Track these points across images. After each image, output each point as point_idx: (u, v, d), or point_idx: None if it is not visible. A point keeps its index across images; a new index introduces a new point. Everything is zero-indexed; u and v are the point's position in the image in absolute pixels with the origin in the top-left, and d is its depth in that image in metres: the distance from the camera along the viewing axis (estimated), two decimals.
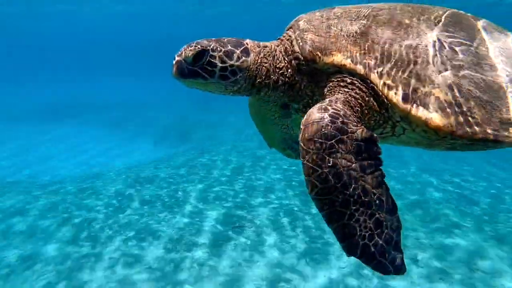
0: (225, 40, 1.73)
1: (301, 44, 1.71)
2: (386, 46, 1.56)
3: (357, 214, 1.37)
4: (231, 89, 1.76)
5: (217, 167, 9.14)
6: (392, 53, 1.54)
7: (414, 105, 1.46)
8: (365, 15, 1.69)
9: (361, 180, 1.39)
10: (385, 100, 1.52)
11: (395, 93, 1.49)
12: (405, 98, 1.47)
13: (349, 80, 1.60)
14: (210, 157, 10.12)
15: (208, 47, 1.65)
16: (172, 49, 1.83)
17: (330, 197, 1.36)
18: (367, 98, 1.57)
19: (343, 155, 1.39)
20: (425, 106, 1.45)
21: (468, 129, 1.44)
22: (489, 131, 1.45)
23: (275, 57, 1.81)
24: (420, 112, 1.45)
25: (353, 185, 1.37)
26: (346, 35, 1.64)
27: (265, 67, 1.78)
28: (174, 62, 1.64)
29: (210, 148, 11.42)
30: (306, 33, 1.73)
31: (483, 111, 1.46)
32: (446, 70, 1.50)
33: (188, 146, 12.25)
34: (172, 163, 9.69)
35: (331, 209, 1.36)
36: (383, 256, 1.38)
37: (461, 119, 1.44)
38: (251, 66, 1.74)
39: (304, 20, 1.80)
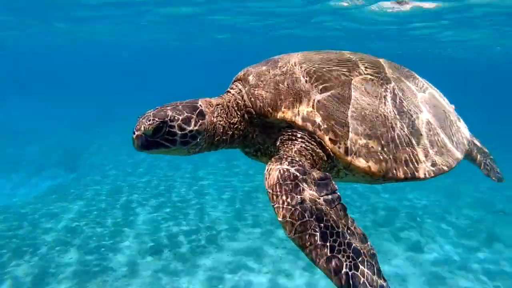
0: (180, 106, 1.76)
1: (252, 100, 1.85)
2: (328, 103, 1.76)
3: (337, 245, 1.42)
4: (193, 151, 1.82)
5: None
6: (334, 110, 1.74)
7: (354, 156, 1.70)
8: (307, 71, 1.85)
9: (329, 213, 1.49)
10: (331, 153, 1.74)
11: (339, 147, 1.71)
12: (347, 152, 1.70)
13: (299, 135, 1.78)
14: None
15: (166, 118, 1.68)
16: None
17: (309, 232, 1.41)
18: (316, 150, 1.75)
19: (308, 192, 1.52)
20: (363, 156, 1.71)
21: (395, 172, 1.74)
22: (409, 172, 1.77)
23: (229, 113, 1.90)
24: (359, 162, 1.70)
25: (324, 218, 1.46)
26: (293, 92, 1.79)
27: (221, 124, 1.87)
28: (134, 136, 1.67)
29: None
30: (256, 89, 1.86)
31: (405, 158, 1.78)
32: (377, 122, 1.77)
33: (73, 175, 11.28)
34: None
35: (313, 245, 1.40)
36: (372, 285, 1.39)
37: (389, 165, 1.74)
38: (208, 127, 1.81)
39: (253, 75, 1.93)
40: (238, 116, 1.91)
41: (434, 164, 1.82)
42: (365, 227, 7.91)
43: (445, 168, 1.85)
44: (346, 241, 1.45)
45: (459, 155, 1.98)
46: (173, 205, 8.38)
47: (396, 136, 1.78)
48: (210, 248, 6.47)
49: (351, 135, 1.72)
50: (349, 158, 1.70)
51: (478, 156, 2.60)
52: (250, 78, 1.92)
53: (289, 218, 1.44)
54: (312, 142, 1.74)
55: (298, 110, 1.75)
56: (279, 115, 1.77)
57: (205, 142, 1.84)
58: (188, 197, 8.97)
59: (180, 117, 1.72)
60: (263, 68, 1.94)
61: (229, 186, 9.78)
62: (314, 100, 1.75)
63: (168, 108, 1.74)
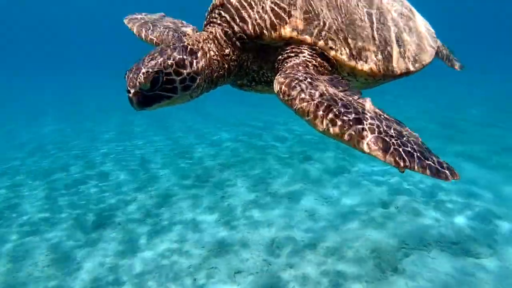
0: (168, 50, 1.64)
1: (241, 24, 1.76)
2: (323, 13, 1.74)
3: (375, 126, 1.34)
4: (195, 94, 1.74)
5: None
6: (330, 18, 1.74)
7: (357, 60, 1.75)
8: None
9: (355, 102, 1.45)
10: (334, 61, 1.75)
11: (341, 54, 1.73)
12: (349, 57, 1.74)
13: (299, 50, 1.73)
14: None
15: (160, 66, 1.56)
16: None
17: (342, 118, 1.33)
18: (319, 60, 1.74)
19: (324, 86, 1.49)
20: (365, 60, 1.76)
21: (393, 69, 1.87)
22: (404, 68, 1.93)
23: (219, 46, 1.82)
24: (362, 65, 1.76)
25: (352, 105, 1.40)
26: (282, 7, 1.73)
27: (215, 59, 1.79)
28: (130, 95, 1.53)
29: None
30: (243, 12, 1.76)
31: (397, 56, 1.89)
32: (367, 24, 1.83)
33: None
34: None
35: (349, 128, 1.31)
36: (429, 159, 1.29)
37: (387, 64, 1.84)
38: (203, 65, 1.72)
39: None
40: (230, 46, 1.83)
41: (418, 60, 2.02)
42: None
43: (426, 62, 2.10)
44: (384, 123, 1.38)
45: (433, 51, 2.24)
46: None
47: (386, 37, 1.89)
48: None
49: (349, 40, 1.75)
50: (353, 63, 1.74)
51: (443, 51, 3.00)
52: (233, 1, 1.80)
53: (315, 112, 1.36)
54: (314, 55, 1.73)
55: (293, 25, 1.71)
56: (274, 34, 1.72)
57: (204, 82, 1.75)
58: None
59: (174, 61, 1.61)
60: None
61: None
62: (306, 11, 1.73)
63: (156, 54, 1.61)
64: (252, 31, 1.75)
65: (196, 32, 2.34)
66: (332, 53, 1.72)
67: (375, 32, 1.85)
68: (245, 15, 1.76)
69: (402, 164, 1.25)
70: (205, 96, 2.04)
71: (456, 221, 5.95)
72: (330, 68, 1.75)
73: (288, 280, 4.85)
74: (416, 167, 1.24)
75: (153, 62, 1.57)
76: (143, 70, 1.53)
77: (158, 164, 9.59)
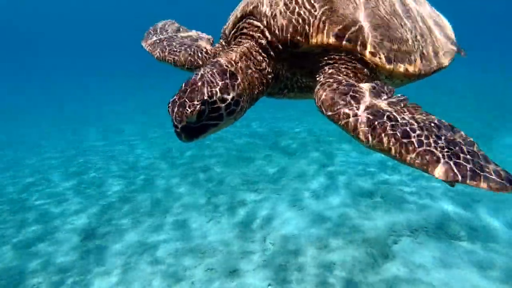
0: (209, 76, 1.57)
1: (278, 33, 1.69)
2: (357, 17, 1.69)
3: (423, 138, 1.28)
4: (239, 116, 1.69)
5: None
6: (364, 22, 1.69)
7: (395, 63, 1.72)
8: None
9: (401, 112, 1.40)
10: (373, 66, 1.71)
11: (380, 58, 1.69)
12: (388, 61, 1.71)
13: (337, 56, 1.68)
14: None
15: (205, 97, 1.50)
16: None
17: (387, 133, 1.29)
18: (358, 67, 1.69)
19: (368, 99, 1.45)
20: (402, 61, 1.74)
21: (427, 68, 1.86)
22: (436, 64, 1.93)
23: (255, 61, 1.74)
24: (400, 67, 1.73)
25: (398, 116, 1.36)
26: (318, 14, 1.66)
27: (255, 77, 1.73)
28: (178, 130, 1.50)
29: None
30: (277, 19, 1.69)
31: (428, 54, 1.90)
32: (406, 27, 1.82)
33: None
34: None
35: (397, 142, 1.27)
36: (485, 170, 1.19)
37: (421, 63, 1.83)
38: (245, 86, 1.66)
39: (266, 5, 1.73)
40: (265, 58, 1.76)
41: (448, 53, 2.04)
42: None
43: (454, 52, 2.11)
44: (433, 133, 1.31)
45: (454, 39, 2.25)
46: None
47: (419, 35, 1.87)
48: None
49: (386, 43, 1.70)
50: (391, 66, 1.70)
51: None
52: (264, 9, 1.72)
53: (360, 127, 1.33)
54: (353, 61, 1.68)
55: (331, 31, 1.64)
56: (312, 41, 1.65)
57: (247, 102, 1.70)
58: None
59: (217, 89, 1.54)
60: None
61: None
62: (340, 16, 1.66)
63: (198, 83, 1.54)
64: (289, 40, 1.68)
65: (211, 41, 2.31)
66: (372, 58, 1.67)
67: (408, 32, 1.82)
68: (279, 23, 1.68)
69: (458, 179, 1.17)
70: None
71: (439, 207, 6.27)
72: (369, 73, 1.71)
73: (287, 275, 4.96)
74: (472, 182, 1.16)
75: (198, 93, 1.50)
76: (189, 104, 1.47)
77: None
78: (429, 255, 5.12)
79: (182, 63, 2.09)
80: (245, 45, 1.77)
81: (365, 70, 1.70)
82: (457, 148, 1.27)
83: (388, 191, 6.86)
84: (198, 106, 1.47)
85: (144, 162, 9.81)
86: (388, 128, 1.30)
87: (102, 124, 15.77)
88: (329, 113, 1.44)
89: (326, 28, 1.64)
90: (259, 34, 1.75)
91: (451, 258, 5.05)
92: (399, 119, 1.35)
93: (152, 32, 2.48)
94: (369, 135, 1.31)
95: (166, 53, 2.14)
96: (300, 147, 9.86)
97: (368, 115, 1.35)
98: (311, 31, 1.65)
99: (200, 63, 2.07)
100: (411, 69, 1.76)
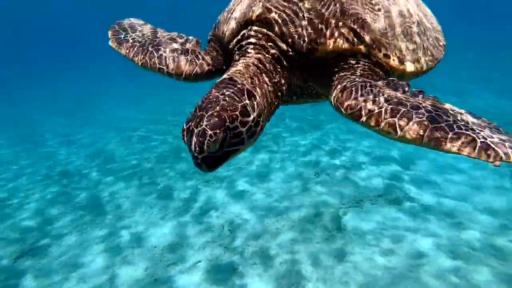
0: (227, 99, 1.40)
1: (290, 41, 1.59)
2: (368, 19, 1.64)
3: (452, 122, 1.25)
4: (259, 135, 1.55)
5: None
6: (373, 23, 1.65)
7: (406, 63, 1.73)
8: None
9: (422, 103, 1.37)
10: (388, 68, 1.69)
11: (393, 60, 1.68)
12: (400, 62, 1.70)
13: (353, 61, 1.63)
14: None
15: (227, 123, 1.34)
16: None
17: (415, 121, 1.26)
18: (375, 70, 1.66)
19: (387, 92, 1.43)
20: (410, 61, 1.75)
21: (430, 64, 1.89)
22: (436, 59, 1.96)
23: (269, 73, 1.62)
24: (411, 67, 1.74)
25: (421, 105, 1.33)
26: (331, 20, 1.60)
27: (270, 91, 1.60)
28: (199, 161, 1.35)
29: None
30: (289, 27, 1.59)
31: (430, 50, 1.94)
32: (412, 25, 1.85)
33: None
34: None
35: (427, 131, 1.24)
36: None
37: (428, 60, 1.88)
38: (264, 105, 1.54)
39: (275, 12, 1.60)
40: (279, 69, 1.64)
41: (442, 46, 2.09)
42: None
43: (444, 43, 2.15)
44: (460, 118, 1.29)
45: (443, 38, 2.27)
46: None
47: (421, 33, 1.89)
48: None
49: (397, 44, 1.69)
50: (404, 66, 1.70)
51: None
52: (273, 16, 1.59)
53: (384, 120, 1.29)
54: (367, 63, 1.63)
55: (346, 36, 1.58)
56: (327, 47, 1.58)
57: (265, 120, 1.57)
58: None
59: (238, 112, 1.38)
60: (280, 1, 1.62)
61: None
62: (353, 20, 1.61)
63: (217, 108, 1.36)
64: (304, 48, 1.58)
65: (199, 44, 2.13)
66: (386, 60, 1.64)
67: (414, 32, 1.82)
68: (291, 30, 1.58)
69: (493, 156, 1.14)
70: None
71: (378, 178, 6.95)
72: (383, 75, 1.68)
73: (247, 257, 5.10)
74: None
75: (218, 120, 1.33)
76: (210, 133, 1.30)
77: None
78: (375, 220, 5.70)
79: (182, 72, 1.87)
80: (255, 56, 1.63)
81: (380, 72, 1.67)
82: (486, 130, 1.25)
83: (333, 169, 7.38)
84: (220, 134, 1.32)
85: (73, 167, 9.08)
86: (415, 116, 1.26)
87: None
88: (349, 112, 1.40)
89: (340, 33, 1.58)
90: (270, 44, 1.62)
91: (392, 221, 5.68)
92: (422, 107, 1.31)
93: (121, 31, 2.13)
94: (395, 128, 1.27)
95: (157, 61, 1.88)
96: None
97: (391, 106, 1.32)
98: (326, 37, 1.58)
99: (199, 71, 1.89)
100: (419, 67, 1.77)
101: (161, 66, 1.88)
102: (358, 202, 6.17)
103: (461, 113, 1.36)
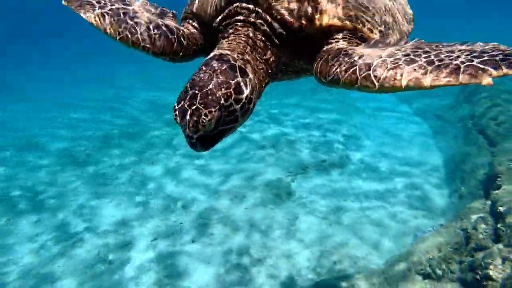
0: (220, 76, 1.39)
1: (280, 18, 1.59)
2: None
3: (433, 57, 1.21)
4: (251, 113, 1.55)
5: None
6: (360, 1, 1.69)
7: (386, 37, 1.74)
8: None
9: (400, 48, 1.37)
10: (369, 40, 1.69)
11: (375, 34, 1.69)
12: (381, 35, 1.72)
13: (339, 36, 1.63)
14: None
15: (221, 101, 1.33)
16: None
17: (390, 67, 1.25)
18: (356, 42, 1.66)
19: (360, 51, 1.44)
20: (389, 35, 1.78)
21: (404, 35, 1.95)
22: (406, 30, 2.00)
23: (259, 50, 1.62)
24: (390, 40, 1.74)
25: (399, 50, 1.33)
26: None
27: (262, 69, 1.61)
28: (194, 141, 1.33)
29: None
30: (277, 4, 1.58)
31: (404, 20, 2.02)
32: (387, 3, 1.88)
33: None
34: None
35: (405, 70, 1.21)
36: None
37: (402, 31, 1.95)
38: (256, 82, 1.53)
39: None
40: (269, 47, 1.63)
41: (411, 19, 2.12)
42: None
43: (412, 15, 2.17)
44: (445, 50, 1.24)
45: (411, 12, 2.26)
46: None
47: (393, 6, 1.93)
48: None
49: (376, 18, 1.72)
50: (376, 36, 1.70)
51: None
52: None
53: (360, 75, 1.28)
54: (352, 38, 1.64)
55: (332, 12, 1.59)
56: (317, 24, 1.58)
57: (257, 97, 1.56)
58: None
59: (231, 90, 1.36)
60: None
61: None
62: None
63: (210, 86, 1.35)
64: (294, 25, 1.58)
65: (174, 16, 2.03)
66: (369, 33, 1.66)
67: (389, 5, 1.86)
68: (283, 6, 1.58)
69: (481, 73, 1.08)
70: None
71: (319, 146, 7.67)
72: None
73: (208, 228, 5.46)
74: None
75: (212, 98, 1.32)
76: (205, 111, 1.29)
77: None
78: (320, 184, 6.40)
79: (169, 52, 1.76)
80: (245, 33, 1.62)
81: (360, 42, 1.68)
82: (479, 52, 1.17)
83: (277, 141, 7.93)
84: (216, 113, 1.30)
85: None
86: (389, 63, 1.26)
87: None
88: (329, 78, 1.41)
89: (329, 9, 1.60)
90: (260, 21, 1.61)
91: (332, 182, 6.43)
92: (399, 53, 1.30)
93: None
94: (372, 78, 1.26)
95: (140, 37, 1.73)
96: None
97: (365, 61, 1.31)
98: (315, 14, 1.59)
99: (187, 51, 1.82)
100: (395, 38, 1.79)
101: (146, 45, 1.74)
102: (304, 169, 6.80)
103: (449, 46, 1.30)
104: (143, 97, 12.77)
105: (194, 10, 1.86)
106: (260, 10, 1.60)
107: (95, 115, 10.96)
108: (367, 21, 1.68)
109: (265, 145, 7.79)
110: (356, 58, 1.37)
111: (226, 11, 1.66)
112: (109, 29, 1.74)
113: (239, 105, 1.40)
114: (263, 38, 1.62)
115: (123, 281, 4.62)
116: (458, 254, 3.92)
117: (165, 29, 1.77)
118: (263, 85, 1.64)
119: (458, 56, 1.17)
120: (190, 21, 1.93)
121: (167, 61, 1.84)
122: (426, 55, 1.25)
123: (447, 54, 1.21)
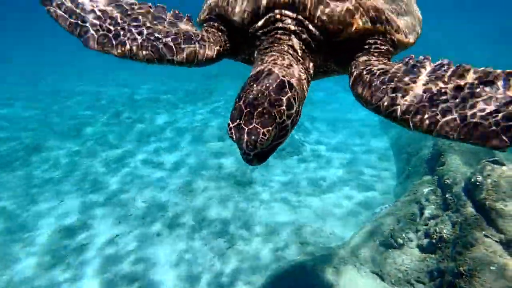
0: (272, 93, 1.40)
1: (319, 24, 1.57)
2: (379, 0, 1.70)
3: (468, 108, 1.23)
4: (298, 121, 1.56)
5: None
6: (386, 5, 1.72)
7: (409, 36, 1.80)
8: None
9: (442, 86, 1.35)
10: (397, 43, 1.72)
11: (401, 34, 1.72)
12: (405, 35, 1.76)
13: (372, 41, 1.65)
14: None
15: (277, 119, 1.36)
16: None
17: (428, 116, 1.27)
18: (389, 48, 1.70)
19: (404, 81, 1.42)
20: (410, 33, 1.83)
21: (418, 35, 1.95)
22: (419, 30, 2.02)
23: (302, 60, 1.63)
24: (412, 39, 1.82)
25: (440, 91, 1.32)
26: (352, 1, 1.61)
27: (305, 79, 1.61)
28: (251, 158, 1.37)
29: None
30: (319, 10, 1.57)
31: (417, 20, 2.05)
32: (405, 4, 1.92)
33: None
34: None
35: (440, 123, 1.24)
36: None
37: (416, 32, 1.94)
38: (302, 95, 1.55)
39: None
40: (307, 55, 1.64)
41: (420, 18, 2.14)
42: None
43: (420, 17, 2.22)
44: (464, 97, 1.25)
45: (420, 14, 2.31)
46: None
47: (409, 6, 1.98)
48: None
49: (402, 19, 1.77)
50: (407, 40, 1.75)
51: None
52: None
53: (403, 116, 1.30)
54: (383, 41, 1.67)
55: (368, 17, 1.61)
56: (352, 28, 1.58)
57: (302, 106, 1.57)
58: None
59: (284, 107, 1.39)
60: None
61: None
62: (370, 2, 1.64)
63: (265, 104, 1.37)
64: (333, 30, 1.58)
65: (190, 20, 1.91)
66: (398, 36, 1.69)
67: (404, 5, 1.90)
68: (324, 13, 1.57)
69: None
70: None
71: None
72: (393, 50, 1.73)
73: (171, 222, 5.35)
74: None
75: (268, 118, 1.34)
76: (263, 131, 1.32)
77: None
78: (279, 171, 6.56)
79: (194, 59, 1.69)
80: (288, 43, 1.61)
81: (391, 48, 1.71)
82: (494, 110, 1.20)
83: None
84: (273, 132, 1.34)
85: None
86: (428, 112, 1.27)
87: None
88: (370, 107, 1.42)
89: (362, 14, 1.60)
90: (300, 28, 1.59)
91: (291, 168, 6.64)
92: (437, 99, 1.30)
93: (77, 15, 1.65)
94: (410, 122, 1.29)
95: (163, 52, 1.64)
96: (148, 108, 9.72)
97: (406, 103, 1.32)
98: (352, 18, 1.58)
99: (210, 55, 1.72)
100: (413, 39, 1.82)
101: (170, 57, 1.66)
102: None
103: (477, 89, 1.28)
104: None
105: (220, 12, 1.76)
106: (301, 18, 1.57)
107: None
108: (394, 22, 1.70)
109: (223, 136, 7.80)
110: (399, 95, 1.36)
111: (266, 17, 1.60)
112: (143, 56, 1.63)
113: (290, 120, 1.43)
114: (303, 47, 1.62)
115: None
116: (414, 224, 4.28)
117: (182, 38, 1.68)
118: (305, 93, 1.64)
119: (488, 116, 1.19)
120: (214, 24, 1.82)
121: (190, 67, 1.76)
122: (461, 106, 1.25)
123: (479, 109, 1.22)
